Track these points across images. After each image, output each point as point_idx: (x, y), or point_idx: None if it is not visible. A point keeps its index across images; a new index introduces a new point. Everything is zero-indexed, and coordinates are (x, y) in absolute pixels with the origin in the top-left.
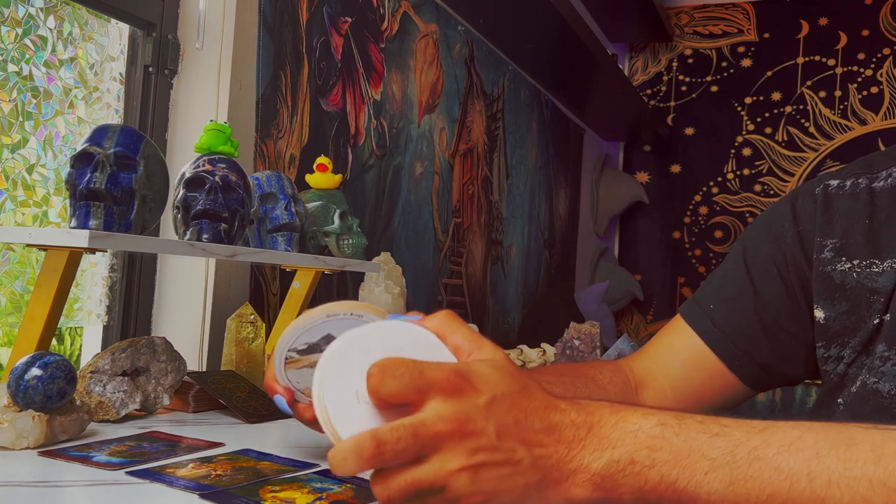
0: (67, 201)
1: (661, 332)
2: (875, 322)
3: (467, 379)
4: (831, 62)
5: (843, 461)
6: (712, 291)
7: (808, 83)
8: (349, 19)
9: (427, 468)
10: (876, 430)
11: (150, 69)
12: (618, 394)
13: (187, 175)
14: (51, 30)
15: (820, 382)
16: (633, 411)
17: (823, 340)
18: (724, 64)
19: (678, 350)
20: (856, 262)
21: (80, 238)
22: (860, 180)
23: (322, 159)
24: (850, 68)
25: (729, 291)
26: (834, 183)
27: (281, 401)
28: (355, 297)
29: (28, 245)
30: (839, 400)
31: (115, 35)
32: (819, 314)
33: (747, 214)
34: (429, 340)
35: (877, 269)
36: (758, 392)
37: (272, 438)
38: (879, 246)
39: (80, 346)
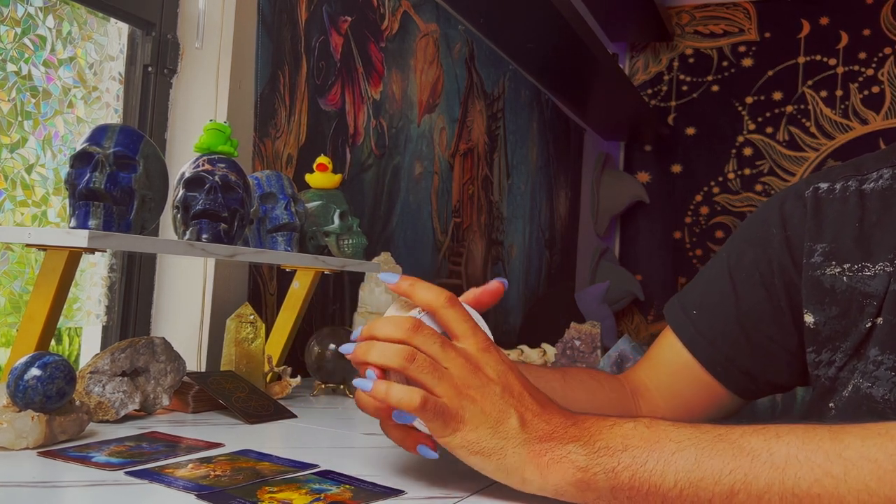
0: (66, 201)
1: (654, 344)
2: (867, 326)
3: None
4: (832, 62)
5: (801, 438)
6: (696, 297)
7: (809, 83)
8: (349, 19)
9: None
10: (837, 424)
11: (150, 69)
12: (621, 406)
13: (187, 175)
14: (50, 29)
15: None
16: (613, 417)
17: (814, 345)
18: (724, 63)
19: (666, 363)
20: (846, 266)
21: (80, 238)
22: (850, 183)
23: (322, 159)
24: (851, 68)
25: (712, 297)
26: (824, 186)
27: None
28: (355, 297)
29: (27, 245)
30: (830, 404)
31: (115, 34)
32: (809, 319)
33: (748, 214)
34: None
35: (868, 273)
36: (747, 401)
37: (272, 439)
38: (870, 249)
39: (80, 346)
